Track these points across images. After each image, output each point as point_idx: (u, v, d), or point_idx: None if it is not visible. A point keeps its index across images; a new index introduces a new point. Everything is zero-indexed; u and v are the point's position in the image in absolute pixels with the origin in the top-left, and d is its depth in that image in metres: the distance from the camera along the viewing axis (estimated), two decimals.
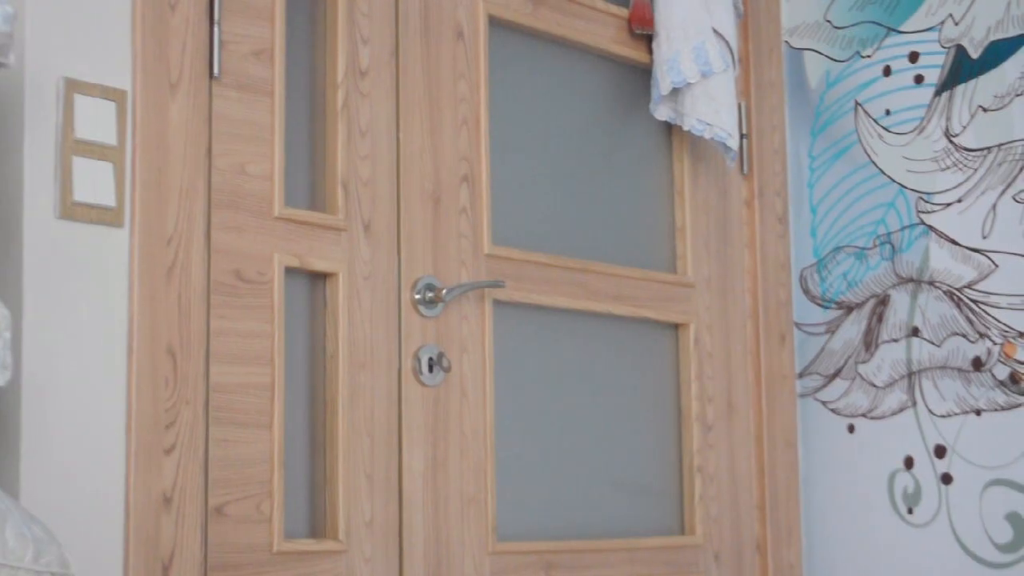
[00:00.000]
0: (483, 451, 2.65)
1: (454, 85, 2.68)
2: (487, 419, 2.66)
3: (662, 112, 2.99)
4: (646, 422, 2.99)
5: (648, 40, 3.03)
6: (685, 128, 2.96)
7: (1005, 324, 2.89)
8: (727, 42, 2.98)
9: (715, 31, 2.95)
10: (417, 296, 2.56)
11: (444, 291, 2.58)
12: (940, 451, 2.95)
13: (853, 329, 3.12)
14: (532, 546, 2.71)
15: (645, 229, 3.05)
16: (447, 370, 2.59)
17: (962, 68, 3.00)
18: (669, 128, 3.10)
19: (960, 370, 2.94)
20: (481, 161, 2.71)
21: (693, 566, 2.97)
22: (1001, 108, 2.93)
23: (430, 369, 2.57)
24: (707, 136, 2.96)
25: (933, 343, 2.98)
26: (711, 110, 2.94)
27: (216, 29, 2.32)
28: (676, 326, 3.05)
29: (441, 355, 2.58)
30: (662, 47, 2.95)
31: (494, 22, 2.79)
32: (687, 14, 2.93)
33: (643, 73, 3.04)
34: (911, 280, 3.04)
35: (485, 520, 2.63)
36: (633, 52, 3.03)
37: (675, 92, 2.97)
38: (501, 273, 2.71)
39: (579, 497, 2.84)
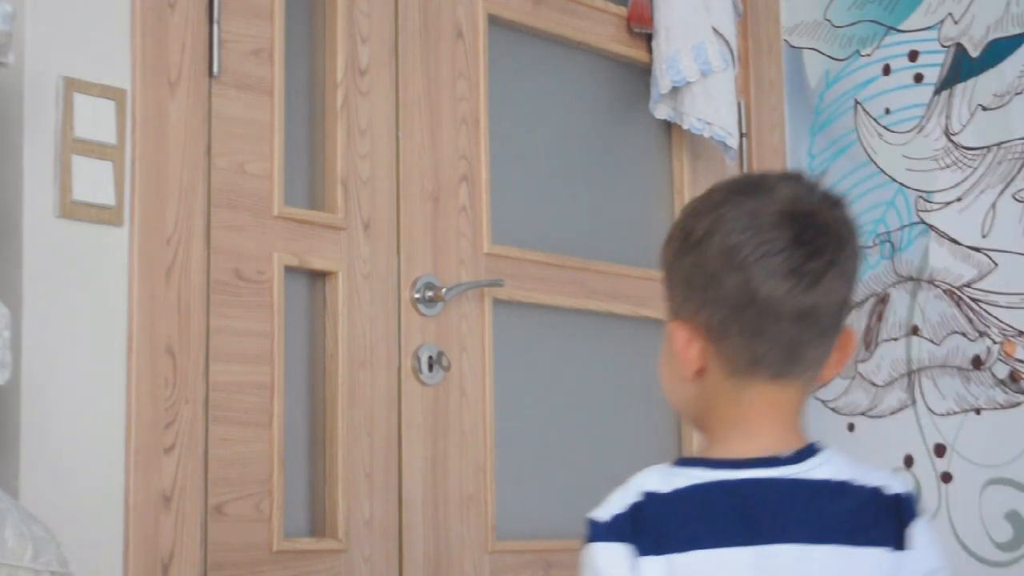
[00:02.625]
0: (482, 450, 2.65)
1: (453, 84, 2.68)
2: (487, 418, 2.66)
3: (661, 111, 2.98)
4: (646, 421, 2.99)
5: (647, 39, 3.02)
6: (684, 127, 2.96)
7: (1005, 323, 2.89)
8: (726, 41, 2.98)
9: (714, 30, 2.95)
10: (417, 295, 2.57)
11: (444, 290, 2.58)
12: (940, 450, 2.95)
13: None
14: (531, 545, 2.71)
15: (644, 228, 3.05)
16: (447, 369, 2.59)
17: (962, 67, 3.00)
18: (668, 127, 3.09)
19: (960, 369, 2.94)
20: (480, 160, 2.71)
21: None
22: (1000, 107, 2.93)
23: (430, 368, 2.57)
24: (706, 135, 2.95)
25: (933, 342, 2.98)
26: (711, 109, 2.94)
27: (215, 28, 2.32)
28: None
29: (441, 354, 2.58)
30: (661, 46, 2.95)
31: (494, 21, 2.79)
32: (686, 13, 2.93)
33: (642, 72, 3.04)
34: (911, 279, 3.04)
35: (484, 519, 2.63)
36: (632, 51, 3.03)
37: (675, 91, 2.96)
38: (500, 272, 2.71)
39: (579, 496, 2.84)
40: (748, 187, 1.48)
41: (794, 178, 1.49)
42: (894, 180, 3.08)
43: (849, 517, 1.41)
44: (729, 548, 1.40)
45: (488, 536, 2.63)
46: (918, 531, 1.42)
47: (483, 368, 2.67)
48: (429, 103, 2.64)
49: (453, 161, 2.66)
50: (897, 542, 1.41)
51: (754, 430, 1.46)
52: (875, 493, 1.43)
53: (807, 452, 1.45)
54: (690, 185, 3.08)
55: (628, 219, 3.01)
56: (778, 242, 1.42)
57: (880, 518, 1.42)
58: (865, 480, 1.43)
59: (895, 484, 1.44)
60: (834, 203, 1.47)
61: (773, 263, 1.41)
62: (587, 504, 2.93)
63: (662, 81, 2.93)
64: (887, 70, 3.11)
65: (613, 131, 3.02)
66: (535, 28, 2.87)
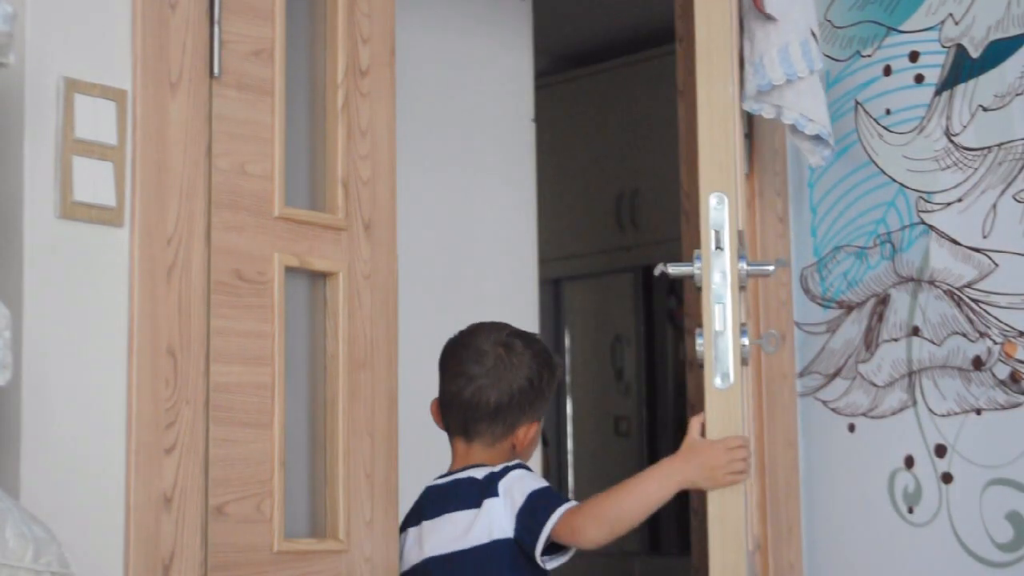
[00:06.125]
0: None
1: None
2: None
3: (750, 103, 2.89)
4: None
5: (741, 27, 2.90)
6: (787, 122, 2.85)
7: (1005, 323, 2.88)
8: (816, 39, 2.90)
9: (811, 29, 2.88)
10: None
11: None
12: (940, 450, 2.95)
13: (853, 328, 3.11)
14: None
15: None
16: None
17: (962, 67, 3.00)
18: None
19: (960, 369, 2.94)
20: None
21: None
22: (1001, 107, 2.93)
23: None
24: (809, 131, 2.87)
25: (933, 342, 2.98)
26: (813, 106, 2.86)
27: (216, 29, 2.32)
28: None
29: None
30: (771, 36, 2.85)
31: None
32: (793, 8, 2.84)
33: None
34: (911, 279, 3.03)
35: None
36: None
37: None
38: None
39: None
40: (464, 337, 2.62)
41: (487, 331, 2.60)
42: (895, 181, 3.08)
43: (461, 495, 2.52)
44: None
45: None
46: (491, 497, 2.47)
47: None
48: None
49: None
50: (477, 503, 2.48)
51: (459, 462, 2.59)
52: (471, 479, 2.51)
53: (472, 466, 2.55)
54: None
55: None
56: (454, 367, 2.58)
57: (471, 493, 2.51)
58: (477, 475, 2.52)
59: (483, 474, 2.51)
60: (504, 344, 2.57)
61: (450, 377, 2.59)
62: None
63: (774, 73, 2.81)
64: (888, 71, 3.11)
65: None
66: None
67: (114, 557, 2.11)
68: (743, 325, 2.28)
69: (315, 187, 2.50)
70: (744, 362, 2.29)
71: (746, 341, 2.28)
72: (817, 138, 2.92)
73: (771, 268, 2.32)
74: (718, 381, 2.22)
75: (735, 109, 2.27)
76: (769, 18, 2.85)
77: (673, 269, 2.32)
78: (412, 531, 2.56)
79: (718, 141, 2.27)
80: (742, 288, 2.27)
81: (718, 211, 2.24)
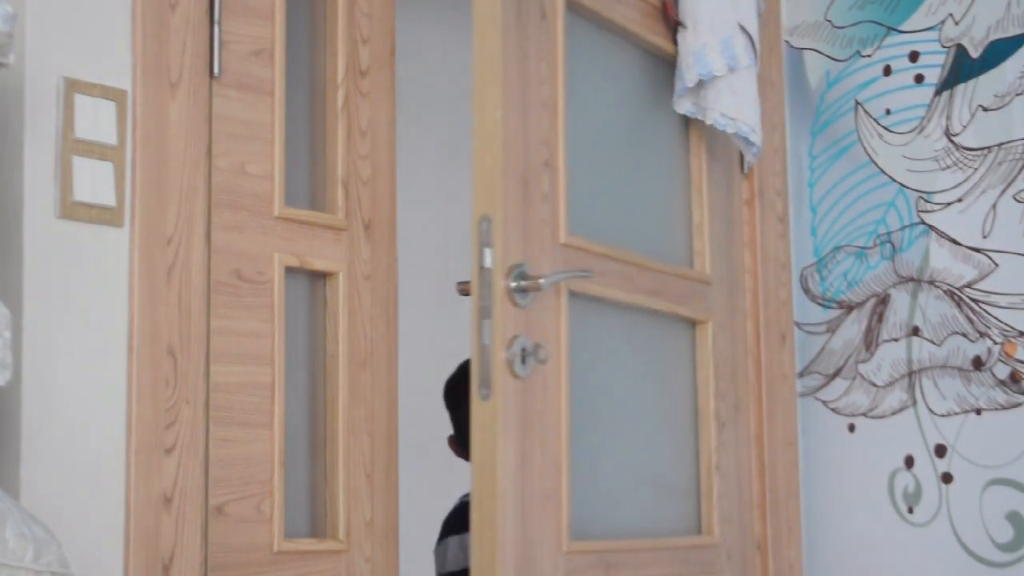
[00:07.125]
0: None
1: (537, 67, 2.56)
2: None
3: (683, 105, 2.90)
4: (667, 419, 2.92)
5: (674, 31, 2.94)
6: (708, 122, 2.89)
7: (1005, 323, 2.88)
8: (751, 37, 2.92)
9: (740, 25, 2.89)
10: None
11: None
12: (940, 450, 2.95)
13: (853, 328, 3.11)
14: None
15: (665, 223, 2.98)
16: None
17: (962, 67, 3.00)
18: (687, 123, 3.03)
19: (960, 369, 2.94)
20: (559, 145, 2.58)
21: (710, 565, 2.95)
22: (1001, 107, 2.93)
23: None
24: (730, 131, 2.88)
25: (933, 342, 2.98)
26: (735, 104, 2.87)
27: (216, 29, 2.32)
28: (694, 323, 2.98)
29: None
30: (688, 39, 2.86)
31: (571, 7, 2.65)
32: (714, 6, 2.86)
33: (666, 63, 2.95)
34: (911, 279, 3.03)
35: None
36: (661, 40, 2.92)
37: (698, 85, 2.89)
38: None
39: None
40: (463, 368, 2.87)
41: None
42: (895, 181, 3.08)
43: None
44: None
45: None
46: None
47: None
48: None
49: (535, 146, 2.54)
50: None
51: None
52: None
53: None
54: (708, 182, 3.01)
55: (651, 214, 2.91)
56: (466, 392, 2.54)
57: None
58: None
59: None
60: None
61: (465, 402, 2.47)
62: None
63: (688, 74, 2.84)
64: (888, 71, 3.11)
65: (640, 123, 2.92)
66: (584, 8, 2.71)
67: (114, 557, 2.11)
68: (514, 339, 2.31)
69: (315, 187, 2.50)
70: (514, 375, 2.32)
71: (511, 356, 2.32)
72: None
73: (542, 282, 2.36)
74: (482, 393, 2.26)
75: (502, 135, 2.34)
76: (679, 24, 2.87)
77: (463, 285, 2.41)
78: (453, 540, 2.68)
79: (487, 165, 2.33)
80: (516, 304, 2.31)
81: (485, 231, 2.29)
